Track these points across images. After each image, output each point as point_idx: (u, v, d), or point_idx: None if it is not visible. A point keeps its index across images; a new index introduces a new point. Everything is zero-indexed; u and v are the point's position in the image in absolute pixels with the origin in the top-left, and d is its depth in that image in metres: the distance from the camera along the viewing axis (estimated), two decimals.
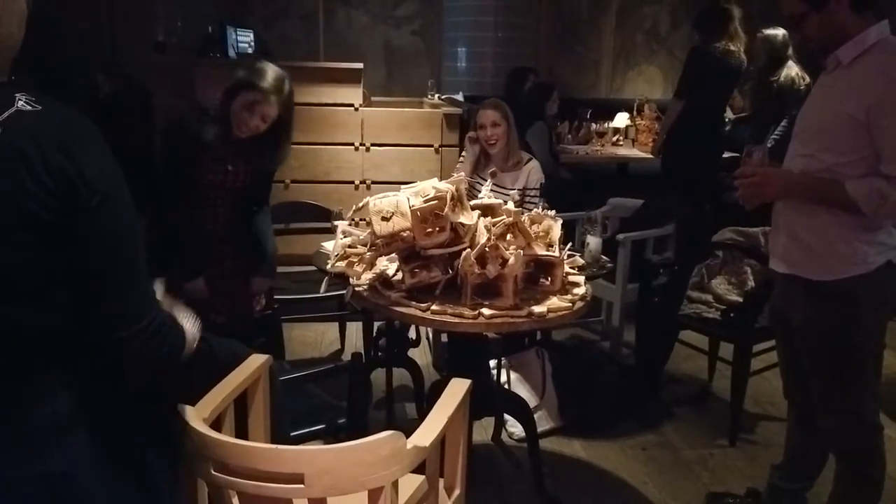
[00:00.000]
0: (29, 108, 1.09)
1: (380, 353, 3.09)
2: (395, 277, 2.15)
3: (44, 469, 1.16)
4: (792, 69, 4.56)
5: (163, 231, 2.61)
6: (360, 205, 2.11)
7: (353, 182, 4.84)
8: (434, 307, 1.99)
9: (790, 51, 4.56)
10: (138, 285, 1.19)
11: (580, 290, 2.16)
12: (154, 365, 1.24)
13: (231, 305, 2.77)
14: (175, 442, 1.39)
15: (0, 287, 1.08)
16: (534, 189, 3.32)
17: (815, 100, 2.07)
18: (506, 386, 2.99)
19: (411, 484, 1.58)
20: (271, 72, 2.60)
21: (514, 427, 2.95)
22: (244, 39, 5.01)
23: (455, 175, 2.15)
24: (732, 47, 4.37)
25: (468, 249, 1.98)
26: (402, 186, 2.10)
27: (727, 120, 5.02)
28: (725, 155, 4.78)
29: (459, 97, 5.46)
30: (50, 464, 1.16)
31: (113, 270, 1.14)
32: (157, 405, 1.41)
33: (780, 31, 4.54)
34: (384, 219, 1.98)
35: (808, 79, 4.43)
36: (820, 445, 2.25)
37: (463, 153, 3.53)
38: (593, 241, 2.82)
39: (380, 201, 2.02)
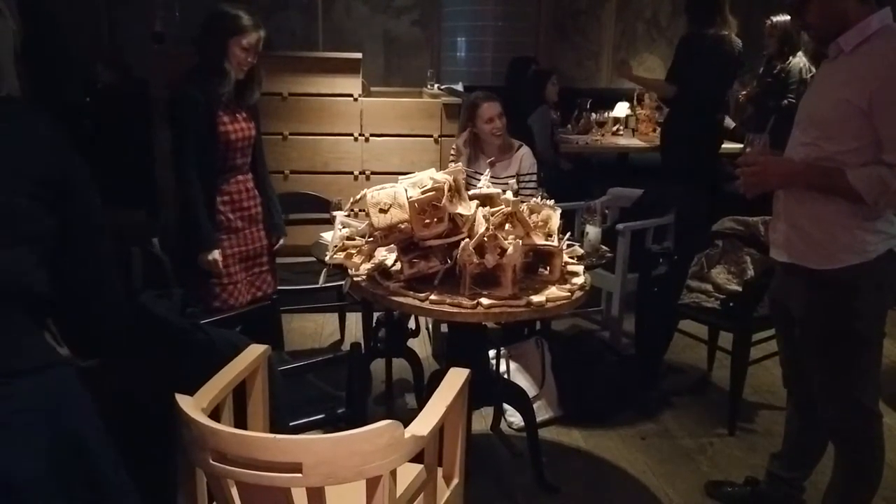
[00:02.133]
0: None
1: (379, 344, 3.09)
2: (394, 268, 2.15)
3: None
4: (801, 59, 4.53)
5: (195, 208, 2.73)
6: (358, 197, 2.11)
7: (352, 173, 4.83)
8: (433, 297, 1.99)
9: (801, 40, 4.51)
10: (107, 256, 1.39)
11: (579, 280, 2.16)
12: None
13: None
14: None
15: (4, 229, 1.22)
16: (528, 174, 3.37)
17: (816, 88, 2.06)
18: (505, 375, 2.99)
19: (410, 473, 1.58)
20: (242, 10, 2.76)
21: (514, 416, 2.95)
22: None
23: (453, 165, 2.15)
24: (724, 32, 4.33)
25: (467, 239, 1.98)
26: (401, 177, 2.10)
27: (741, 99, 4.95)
28: (727, 145, 4.77)
29: (459, 87, 5.43)
30: None
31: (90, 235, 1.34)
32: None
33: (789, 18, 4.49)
34: (382, 211, 1.98)
35: (813, 70, 4.40)
36: (819, 434, 2.25)
37: (452, 150, 3.53)
38: (593, 231, 2.81)
39: (377, 193, 2.02)
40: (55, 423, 1.23)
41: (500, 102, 3.34)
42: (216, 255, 2.77)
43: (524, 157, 3.42)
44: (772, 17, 4.62)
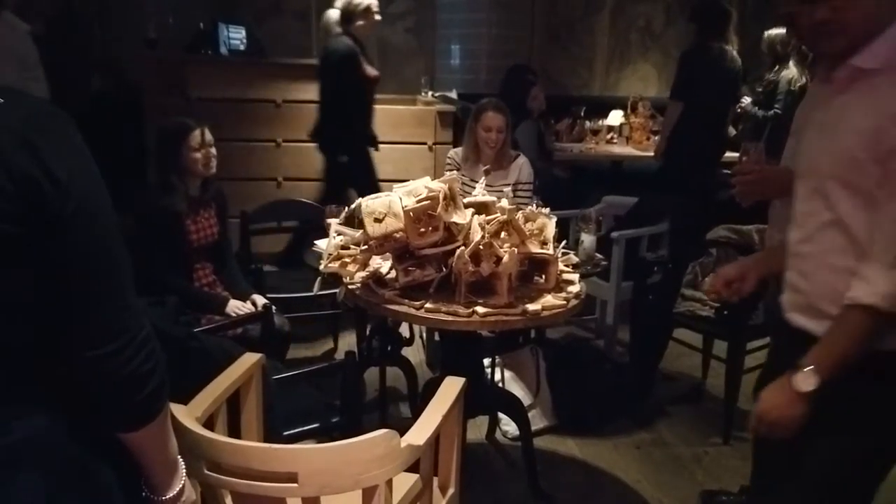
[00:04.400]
0: None
1: (373, 352, 3.08)
2: (389, 276, 2.15)
3: None
4: (791, 71, 4.56)
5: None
6: (353, 206, 2.10)
7: None
8: (428, 305, 1.98)
9: (790, 50, 4.54)
10: (122, 297, 1.02)
11: (574, 288, 2.16)
12: (138, 385, 1.02)
13: None
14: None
15: None
16: (525, 183, 3.37)
17: (820, 129, 1.55)
18: (500, 384, 2.99)
19: (405, 482, 1.57)
20: (184, 118, 2.82)
21: (508, 425, 2.94)
22: (236, 36, 4.98)
23: (448, 173, 2.14)
24: (727, 47, 4.36)
25: (462, 247, 1.97)
26: (396, 185, 2.09)
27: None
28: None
29: (453, 94, 5.44)
30: None
31: (92, 282, 0.99)
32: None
33: (783, 31, 4.53)
34: (377, 220, 1.97)
35: (804, 80, 4.43)
36: None
37: (448, 160, 3.52)
38: (587, 239, 2.82)
39: (372, 202, 2.01)
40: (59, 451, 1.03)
41: (506, 118, 3.32)
42: (233, 304, 2.80)
43: (522, 167, 3.40)
44: (765, 32, 4.67)
